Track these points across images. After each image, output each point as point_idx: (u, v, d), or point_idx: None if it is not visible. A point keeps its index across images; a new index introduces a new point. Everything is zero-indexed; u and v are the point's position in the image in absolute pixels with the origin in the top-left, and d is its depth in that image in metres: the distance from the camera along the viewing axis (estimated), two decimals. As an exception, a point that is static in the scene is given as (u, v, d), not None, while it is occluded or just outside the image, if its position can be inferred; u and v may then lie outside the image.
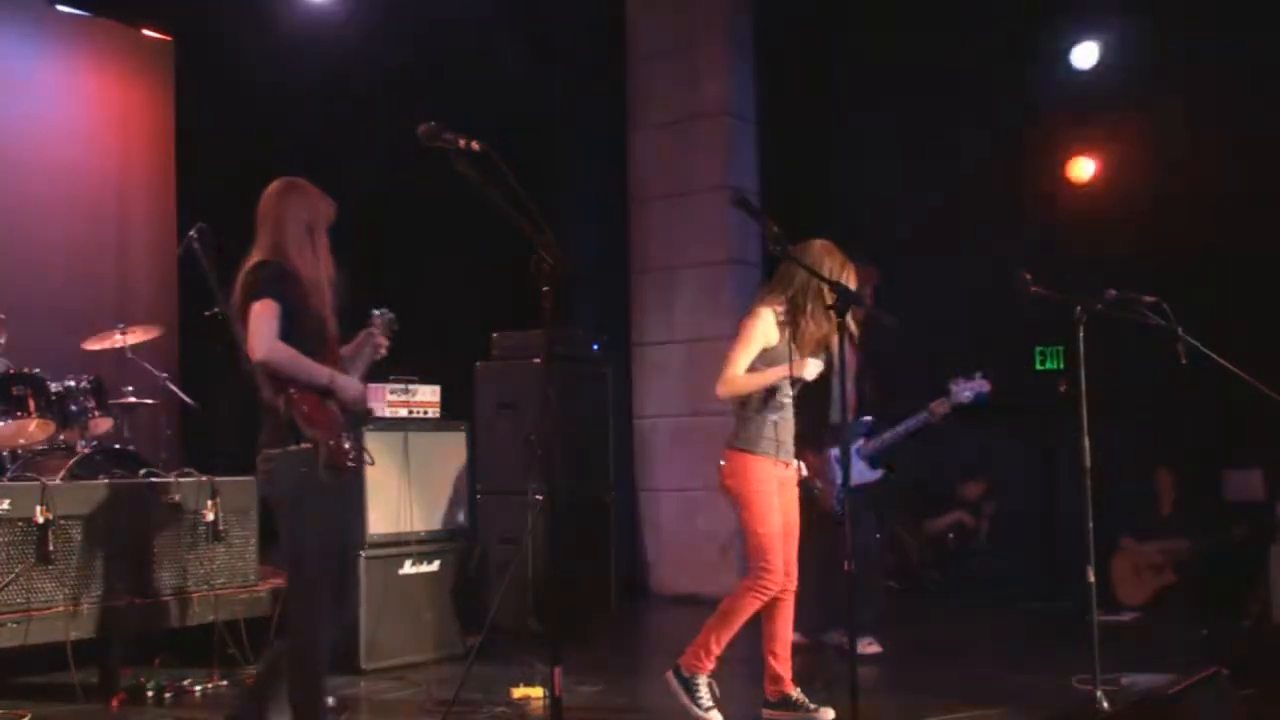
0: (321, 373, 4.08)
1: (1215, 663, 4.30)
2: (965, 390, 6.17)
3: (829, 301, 4.52)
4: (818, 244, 4.88)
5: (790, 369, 4.81)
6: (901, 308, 6.38)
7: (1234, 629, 6.59)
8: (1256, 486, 7.47)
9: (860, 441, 6.43)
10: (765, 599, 4.87)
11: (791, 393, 4.97)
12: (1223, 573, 7.14)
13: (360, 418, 4.30)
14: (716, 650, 4.91)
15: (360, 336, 4.43)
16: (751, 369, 4.88)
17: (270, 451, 4.07)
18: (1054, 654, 6.08)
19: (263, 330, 3.96)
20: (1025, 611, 7.43)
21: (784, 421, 4.97)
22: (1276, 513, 6.66)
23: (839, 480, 6.16)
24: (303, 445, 4.01)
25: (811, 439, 6.17)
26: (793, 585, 4.97)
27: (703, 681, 4.92)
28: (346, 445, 4.11)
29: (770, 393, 4.91)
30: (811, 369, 4.89)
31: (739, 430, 4.95)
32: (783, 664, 5.00)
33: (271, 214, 4.16)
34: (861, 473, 6.42)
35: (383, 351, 4.44)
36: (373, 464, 4.51)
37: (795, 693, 4.99)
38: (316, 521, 4.04)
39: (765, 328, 4.87)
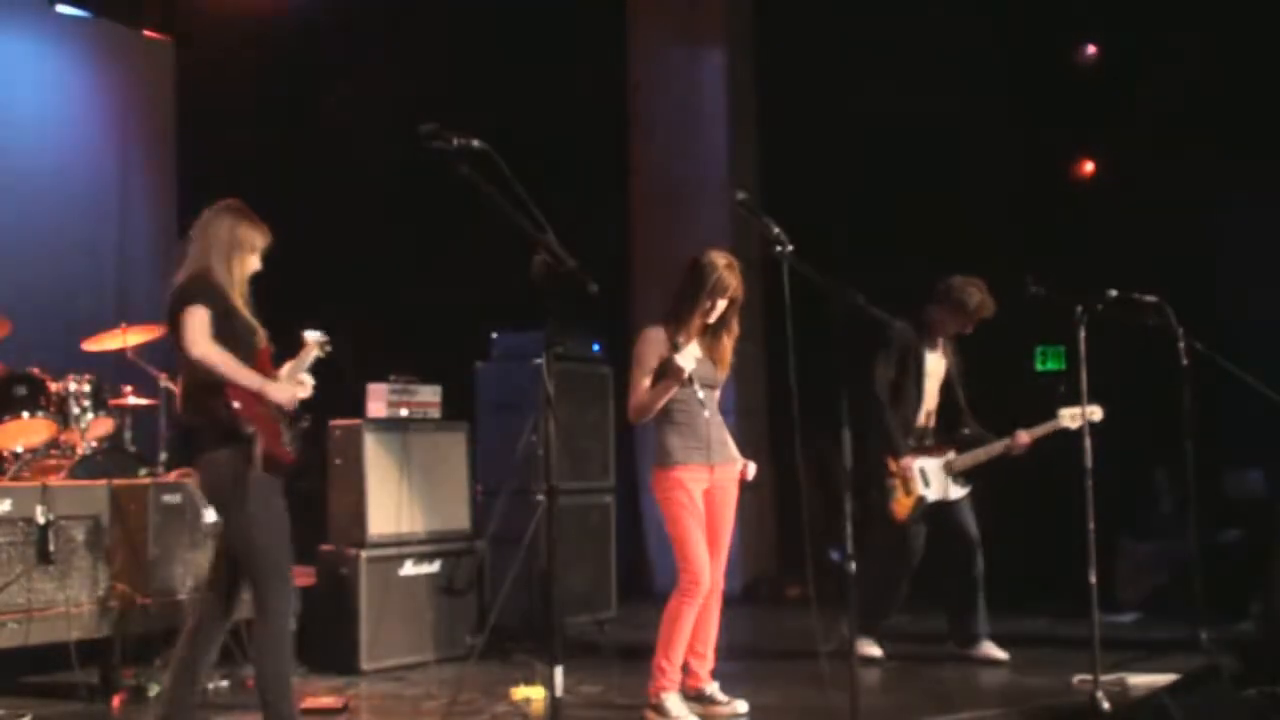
0: (252, 378, 4.25)
1: (1215, 663, 4.31)
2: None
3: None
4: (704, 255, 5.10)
5: (677, 374, 4.89)
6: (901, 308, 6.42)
7: (1234, 629, 6.58)
8: (1257, 486, 7.46)
9: (950, 455, 6.19)
10: (696, 604, 4.98)
11: (700, 394, 4.97)
12: (1223, 573, 7.13)
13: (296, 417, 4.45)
14: (669, 667, 5.00)
15: (300, 355, 4.51)
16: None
17: (211, 454, 4.25)
18: (1054, 654, 6.08)
19: (197, 331, 4.18)
20: (1025, 612, 7.43)
21: (690, 427, 5.03)
22: (1277, 512, 6.66)
23: (920, 492, 6.16)
24: (240, 445, 4.19)
25: (895, 444, 6.16)
26: (720, 588, 5.12)
27: (669, 697, 4.98)
28: (283, 437, 4.32)
29: (671, 403, 5.01)
30: (687, 358, 4.89)
31: (655, 446, 5.12)
32: (701, 661, 5.14)
33: (199, 232, 4.40)
34: (948, 489, 6.18)
35: (305, 391, 4.47)
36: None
37: (709, 688, 5.14)
38: (261, 517, 4.23)
39: (651, 344, 5.03)
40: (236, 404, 4.18)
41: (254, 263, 4.42)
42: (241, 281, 4.38)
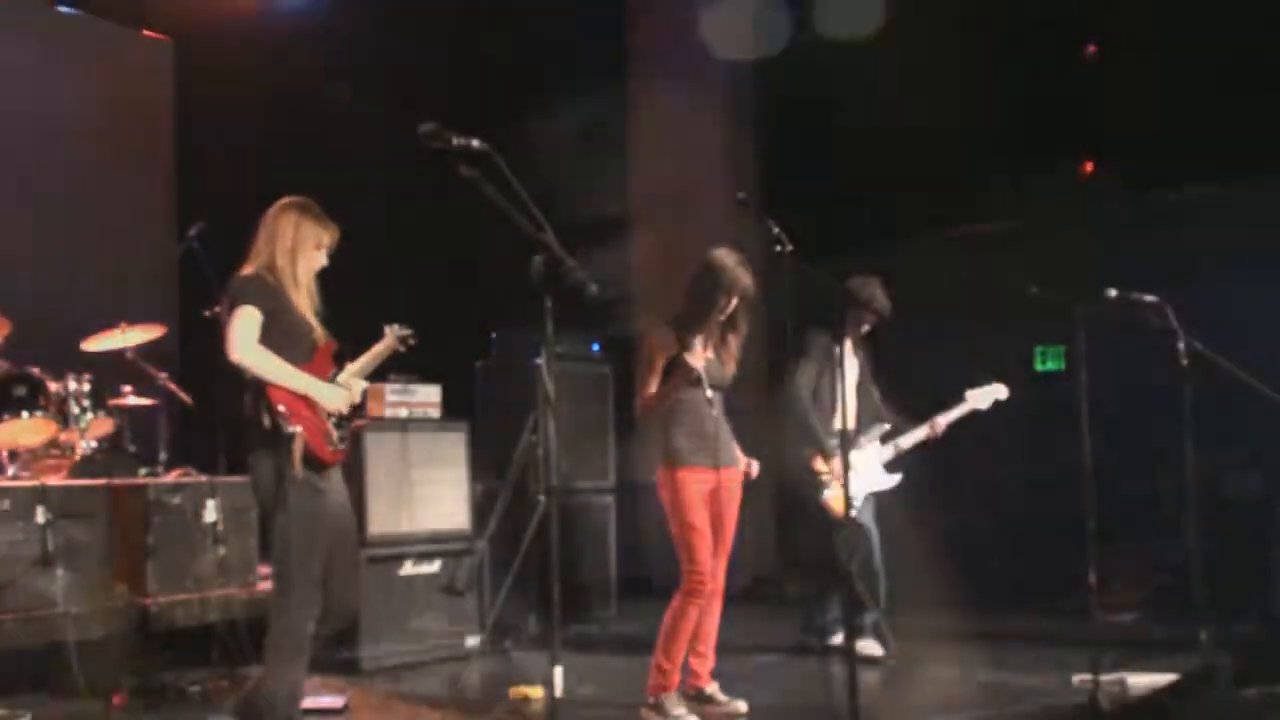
0: (297, 379, 4.25)
1: (1215, 663, 4.30)
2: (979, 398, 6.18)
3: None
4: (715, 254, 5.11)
5: (688, 373, 4.91)
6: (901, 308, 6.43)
7: (1234, 629, 6.58)
8: (1257, 486, 7.45)
9: (875, 447, 6.32)
10: (700, 604, 4.98)
11: (710, 394, 4.99)
12: (1223, 573, 7.13)
13: (348, 415, 4.48)
14: (670, 667, 5.00)
15: (378, 348, 4.65)
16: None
17: (254, 454, 4.26)
18: (1054, 654, 6.08)
19: (240, 333, 4.18)
20: (1025, 612, 7.43)
21: (698, 427, 5.03)
22: (1277, 513, 6.65)
23: (853, 487, 6.20)
24: (281, 444, 4.17)
25: (821, 442, 6.18)
26: (721, 587, 5.13)
27: (668, 697, 4.98)
28: (329, 436, 4.31)
29: (676, 404, 5.02)
30: (698, 358, 4.95)
31: (660, 445, 5.11)
32: (702, 661, 5.15)
33: (264, 228, 4.38)
34: (879, 479, 6.30)
35: (354, 397, 4.50)
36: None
37: (710, 688, 5.14)
38: (295, 521, 4.20)
39: (659, 344, 5.04)
40: (279, 405, 4.18)
41: (319, 259, 4.41)
42: (307, 277, 4.37)
